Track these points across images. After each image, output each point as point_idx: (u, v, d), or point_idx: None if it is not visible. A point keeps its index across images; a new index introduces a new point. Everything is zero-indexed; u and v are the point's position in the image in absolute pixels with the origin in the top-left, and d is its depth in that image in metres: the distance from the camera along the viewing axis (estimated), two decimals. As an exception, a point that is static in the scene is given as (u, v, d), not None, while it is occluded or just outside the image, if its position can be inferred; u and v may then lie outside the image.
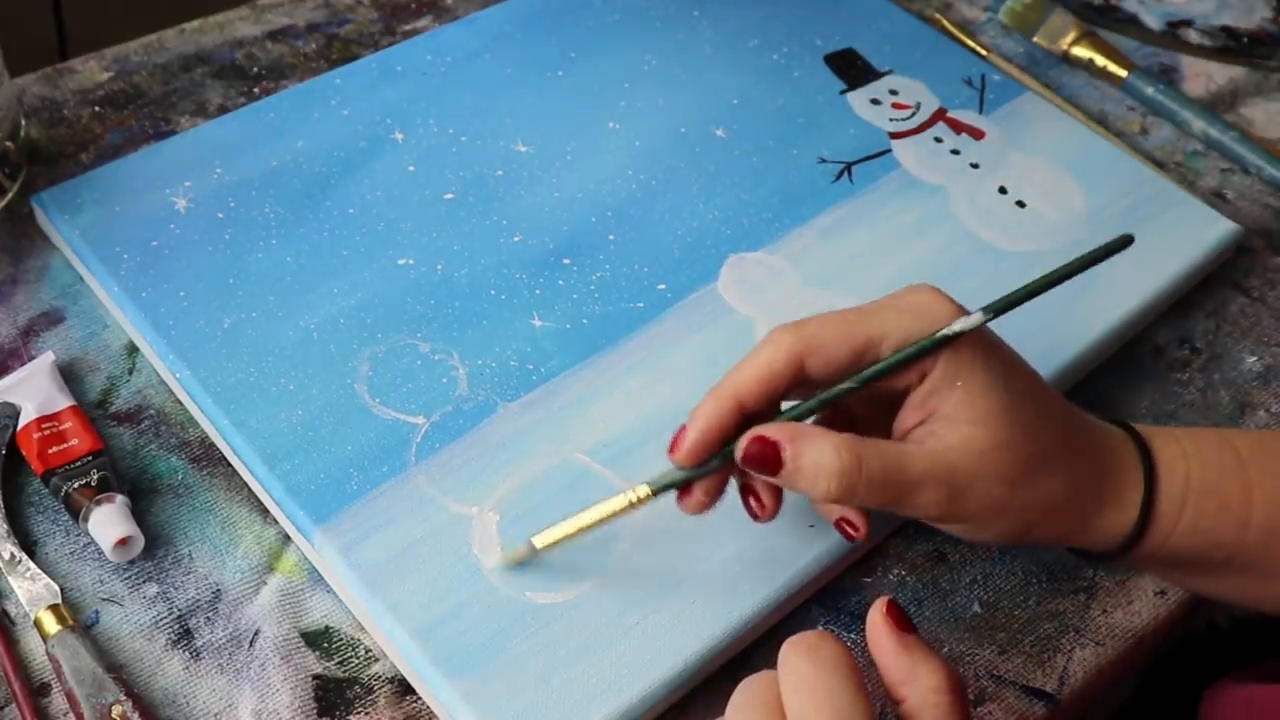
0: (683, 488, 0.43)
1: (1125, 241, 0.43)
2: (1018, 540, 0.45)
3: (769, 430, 0.41)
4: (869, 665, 0.39)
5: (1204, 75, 0.73)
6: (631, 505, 0.43)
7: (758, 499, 0.44)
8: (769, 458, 0.41)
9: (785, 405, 0.44)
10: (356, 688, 0.45)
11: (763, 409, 0.43)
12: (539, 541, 0.44)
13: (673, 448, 0.43)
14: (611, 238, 0.57)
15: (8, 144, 0.58)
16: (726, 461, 0.43)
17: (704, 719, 0.45)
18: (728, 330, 0.54)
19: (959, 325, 0.41)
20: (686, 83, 0.65)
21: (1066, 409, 0.45)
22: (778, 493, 0.44)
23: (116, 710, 0.42)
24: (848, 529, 0.44)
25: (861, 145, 0.63)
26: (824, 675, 0.36)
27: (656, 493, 0.43)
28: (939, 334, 0.41)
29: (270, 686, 0.44)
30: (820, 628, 0.48)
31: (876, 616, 0.39)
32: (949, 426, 0.42)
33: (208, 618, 0.46)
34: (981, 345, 0.42)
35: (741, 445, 0.42)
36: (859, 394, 0.43)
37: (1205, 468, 0.45)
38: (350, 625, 0.46)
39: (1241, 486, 0.44)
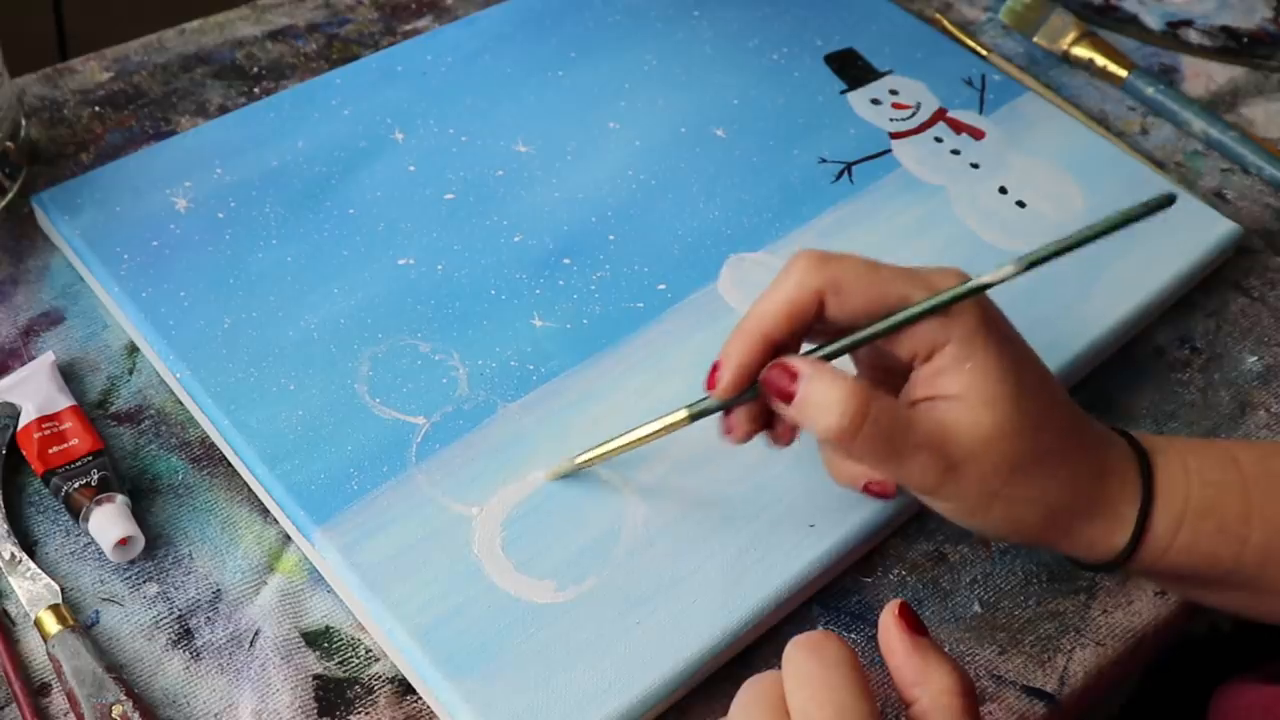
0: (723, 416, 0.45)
1: (1168, 200, 0.41)
2: (1004, 535, 0.44)
3: (791, 360, 0.42)
4: (872, 665, 0.39)
5: (1204, 75, 0.73)
6: (668, 428, 0.45)
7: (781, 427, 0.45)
8: (784, 385, 0.42)
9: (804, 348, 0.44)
10: (357, 688, 0.45)
11: (789, 340, 0.43)
12: (580, 458, 0.47)
13: (710, 384, 0.44)
14: (611, 238, 0.57)
15: (8, 144, 0.58)
16: (760, 393, 0.44)
17: (704, 719, 0.45)
18: (728, 330, 0.54)
19: (989, 276, 0.41)
20: (686, 83, 0.65)
21: (1073, 411, 0.45)
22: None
23: (117, 710, 0.42)
24: (875, 488, 0.45)
25: (861, 145, 0.63)
26: (828, 674, 0.36)
27: (693, 418, 0.44)
28: (970, 284, 0.41)
29: (270, 686, 0.44)
30: (820, 627, 0.48)
31: (889, 619, 0.39)
32: (958, 405, 0.42)
33: (208, 618, 0.46)
34: (996, 332, 0.42)
35: (765, 371, 0.43)
36: (866, 358, 0.43)
37: (1206, 487, 0.44)
38: (350, 625, 0.46)
39: (1242, 507, 0.44)
